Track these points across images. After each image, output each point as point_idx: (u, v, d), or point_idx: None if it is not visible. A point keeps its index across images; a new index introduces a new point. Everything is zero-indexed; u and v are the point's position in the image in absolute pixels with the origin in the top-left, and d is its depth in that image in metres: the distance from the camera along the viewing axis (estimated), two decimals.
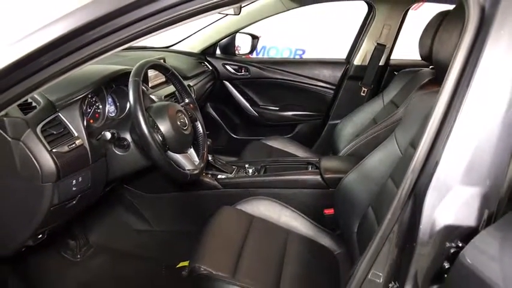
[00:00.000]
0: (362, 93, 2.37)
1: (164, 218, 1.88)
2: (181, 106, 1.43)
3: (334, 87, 2.45)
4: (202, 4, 0.76)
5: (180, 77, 1.48)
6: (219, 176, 1.77)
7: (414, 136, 1.16)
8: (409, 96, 1.76)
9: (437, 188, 0.74)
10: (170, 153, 1.29)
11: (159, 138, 1.22)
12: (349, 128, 2.19)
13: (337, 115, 2.41)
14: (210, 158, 1.76)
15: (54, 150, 1.03)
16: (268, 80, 2.49)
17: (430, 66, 1.86)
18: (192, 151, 1.43)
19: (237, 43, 2.53)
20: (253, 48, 2.58)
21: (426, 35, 1.59)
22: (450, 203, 0.74)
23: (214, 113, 2.60)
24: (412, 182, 0.78)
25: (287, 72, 2.47)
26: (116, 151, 1.29)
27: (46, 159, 1.01)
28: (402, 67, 2.17)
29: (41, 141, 1.01)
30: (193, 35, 2.41)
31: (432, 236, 0.75)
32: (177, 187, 1.78)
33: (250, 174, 1.78)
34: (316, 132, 2.53)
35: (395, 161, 1.26)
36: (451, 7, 1.32)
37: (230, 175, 1.78)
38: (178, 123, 1.31)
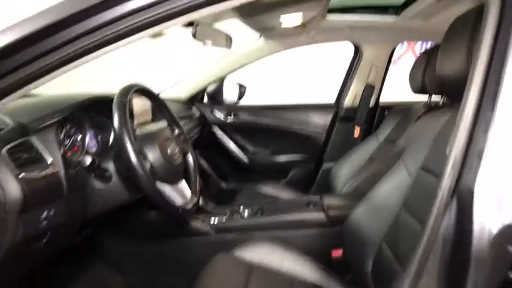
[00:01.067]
0: (355, 135, 2.31)
1: (149, 270, 1.65)
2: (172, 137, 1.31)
3: (325, 131, 2.39)
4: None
5: (168, 107, 1.38)
6: (212, 221, 1.60)
7: (425, 160, 1.08)
8: (407, 129, 1.71)
9: (486, 181, 0.62)
10: (159, 184, 1.14)
11: (147, 165, 1.08)
12: (346, 169, 2.09)
13: (331, 157, 2.33)
14: (200, 202, 1.60)
15: (21, 175, 0.87)
16: (258, 124, 2.42)
17: (423, 102, 1.85)
18: (183, 184, 1.28)
19: (224, 91, 2.50)
20: (241, 96, 2.55)
21: (418, 66, 1.61)
22: (507, 197, 0.61)
23: (202, 161, 2.47)
24: (453, 180, 0.66)
25: (277, 116, 2.41)
26: (97, 183, 1.13)
27: (10, 184, 0.84)
28: (393, 107, 2.16)
29: (7, 164, 0.85)
30: (178, 83, 2.36)
31: (490, 241, 0.61)
32: (164, 234, 1.58)
33: (246, 217, 1.62)
34: (310, 176, 2.42)
35: (407, 190, 1.16)
36: None
37: (223, 219, 1.61)
38: (169, 151, 1.18)
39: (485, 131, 0.65)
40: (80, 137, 1.22)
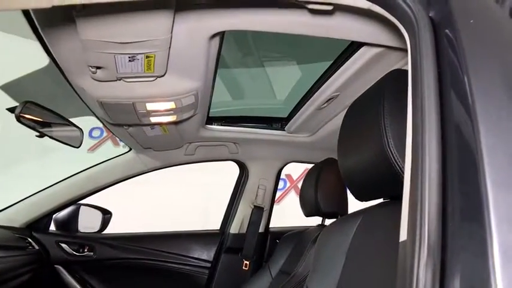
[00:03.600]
0: (244, 268, 1.95)
1: None
2: None
3: (209, 265, 1.98)
4: None
5: None
6: None
7: (340, 282, 0.89)
8: (303, 255, 1.45)
9: None
10: None
11: None
12: None
13: None
14: None
15: None
16: (121, 261, 1.90)
17: (317, 224, 1.66)
18: None
19: (80, 219, 1.95)
20: (105, 226, 2.02)
21: (308, 184, 1.50)
22: None
23: None
24: None
25: (147, 249, 1.94)
26: None
27: None
28: (284, 233, 1.91)
29: None
30: (15, 204, 1.76)
31: None
32: None
33: None
34: None
35: None
36: None
37: None
38: None
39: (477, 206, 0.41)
40: None
